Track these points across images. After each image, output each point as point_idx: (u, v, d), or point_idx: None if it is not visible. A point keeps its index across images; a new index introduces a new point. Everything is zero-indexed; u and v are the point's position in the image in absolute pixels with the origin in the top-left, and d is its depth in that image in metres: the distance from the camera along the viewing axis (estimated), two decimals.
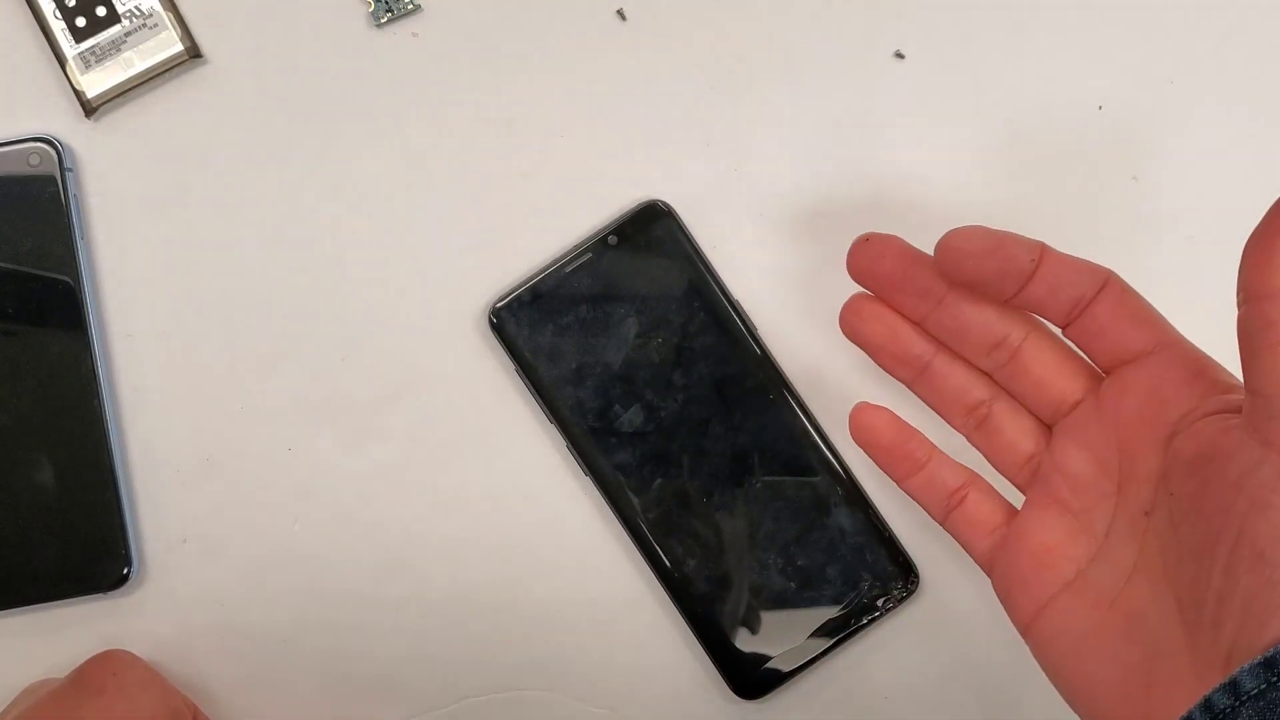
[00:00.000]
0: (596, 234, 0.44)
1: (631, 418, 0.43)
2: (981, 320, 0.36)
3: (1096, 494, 0.35)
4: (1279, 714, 0.27)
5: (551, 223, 0.45)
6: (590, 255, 0.44)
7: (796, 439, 0.44)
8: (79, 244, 0.43)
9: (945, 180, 0.45)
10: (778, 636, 0.43)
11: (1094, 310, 0.34)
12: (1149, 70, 0.45)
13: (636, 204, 0.44)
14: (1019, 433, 0.37)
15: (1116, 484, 0.34)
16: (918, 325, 0.38)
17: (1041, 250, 0.35)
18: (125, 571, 0.43)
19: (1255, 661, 0.27)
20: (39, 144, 0.43)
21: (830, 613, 0.44)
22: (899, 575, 0.44)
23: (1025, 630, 0.36)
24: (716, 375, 0.44)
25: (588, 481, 0.44)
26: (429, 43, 0.45)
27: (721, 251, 0.45)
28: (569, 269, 0.43)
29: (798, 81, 0.45)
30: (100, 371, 0.43)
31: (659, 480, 0.43)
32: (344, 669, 0.45)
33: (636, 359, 0.44)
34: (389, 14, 0.44)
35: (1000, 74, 0.45)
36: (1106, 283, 0.35)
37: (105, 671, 0.41)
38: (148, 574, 0.44)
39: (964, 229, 0.35)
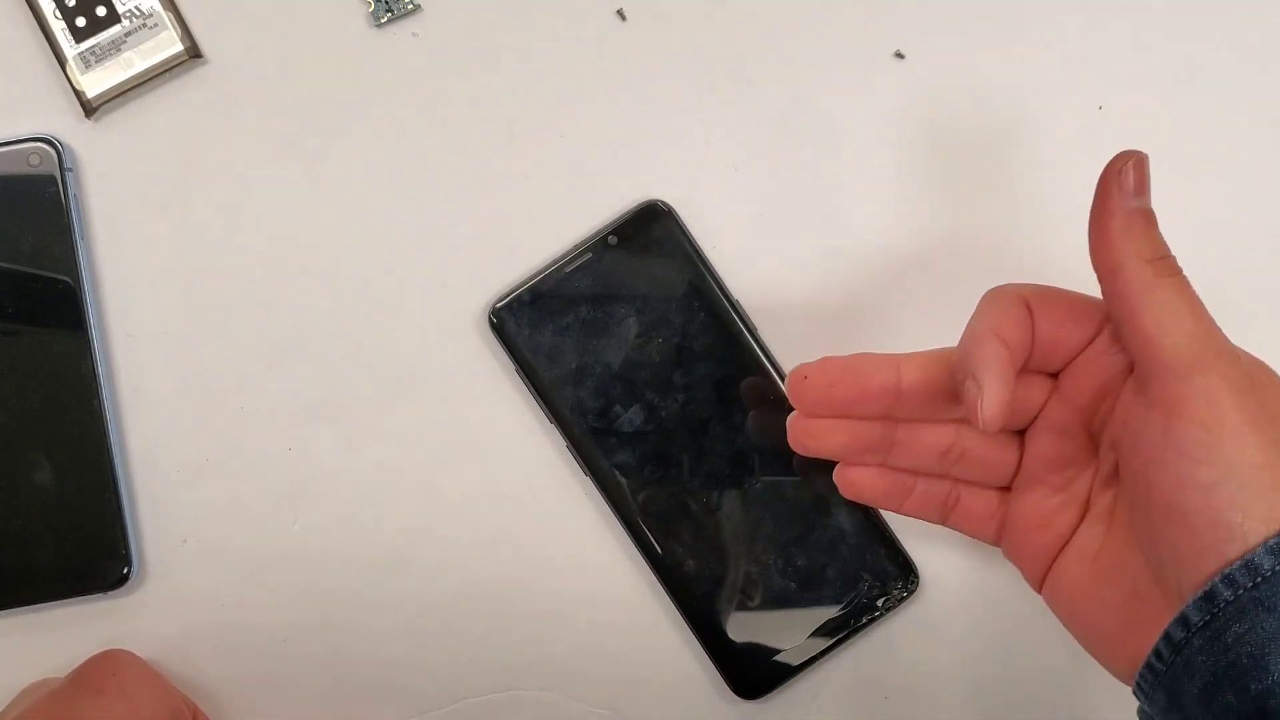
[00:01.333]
0: (596, 234, 0.44)
1: (631, 418, 0.43)
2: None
3: (1075, 466, 0.38)
4: (1224, 639, 0.30)
5: (551, 223, 0.45)
6: (590, 255, 0.44)
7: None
8: (79, 244, 0.43)
9: (945, 180, 0.45)
10: (778, 636, 0.43)
11: (1036, 336, 0.36)
12: (1149, 70, 0.45)
13: (636, 204, 0.44)
14: (997, 450, 0.39)
15: (1089, 456, 0.37)
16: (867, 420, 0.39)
17: (898, 365, 0.38)
18: (125, 571, 0.43)
19: (1196, 596, 0.31)
20: (39, 144, 0.43)
21: (830, 612, 0.44)
22: (899, 575, 0.44)
23: (1038, 590, 0.39)
24: (716, 375, 0.44)
25: (588, 481, 0.44)
26: (429, 43, 0.45)
27: (721, 251, 0.45)
28: (569, 269, 0.43)
29: (798, 82, 0.45)
30: (100, 371, 0.43)
31: (659, 480, 0.43)
32: (344, 669, 0.45)
33: (636, 359, 0.44)
34: (389, 14, 0.44)
35: (1000, 74, 0.45)
36: (1029, 304, 0.36)
37: (105, 671, 0.41)
38: (148, 574, 0.44)
39: (807, 365, 0.38)
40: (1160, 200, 0.46)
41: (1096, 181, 0.34)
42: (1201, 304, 0.33)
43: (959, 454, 0.39)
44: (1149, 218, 0.34)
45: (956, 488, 0.40)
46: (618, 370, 0.43)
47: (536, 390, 0.43)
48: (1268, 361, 0.35)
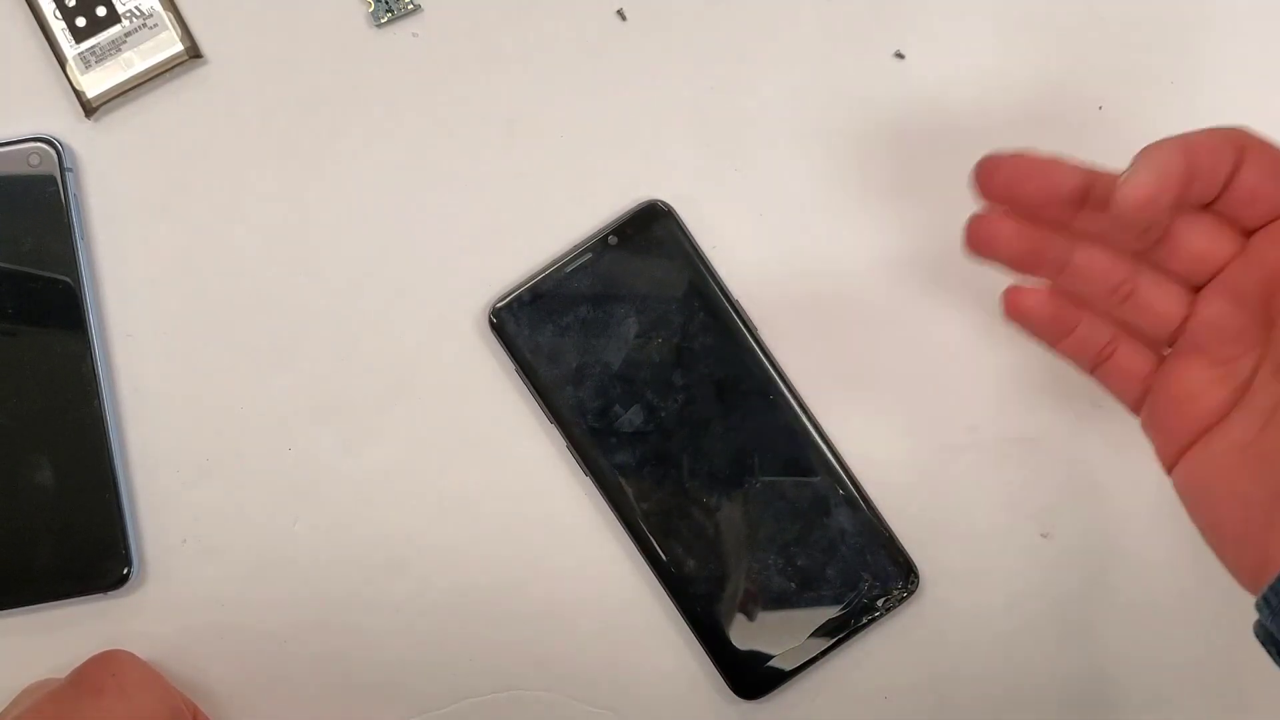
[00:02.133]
0: (596, 234, 0.44)
1: (631, 418, 0.43)
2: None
3: (1243, 344, 0.35)
4: None
5: (551, 223, 0.45)
6: (590, 255, 0.44)
7: (796, 439, 0.44)
8: (79, 244, 0.43)
9: (945, 180, 0.45)
10: (778, 636, 0.43)
11: (1239, 180, 0.34)
12: (1149, 70, 0.45)
13: (636, 204, 0.44)
14: (1166, 300, 0.36)
15: (1263, 335, 0.35)
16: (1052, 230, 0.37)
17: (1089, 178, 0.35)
18: (125, 571, 0.43)
19: None
20: (39, 144, 0.43)
21: (830, 613, 0.44)
22: (899, 575, 0.44)
23: (1169, 469, 0.36)
24: (716, 375, 0.44)
25: (588, 481, 0.44)
26: (429, 43, 0.45)
27: (721, 251, 0.45)
28: (569, 269, 0.43)
29: (798, 81, 0.45)
30: (100, 371, 0.43)
31: (659, 480, 0.43)
32: (344, 669, 0.44)
33: (636, 359, 0.44)
34: (389, 14, 0.44)
35: (1000, 74, 0.45)
36: (1244, 149, 0.34)
37: (105, 672, 0.41)
38: (148, 574, 0.44)
39: (999, 154, 0.36)
40: None
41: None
42: None
43: (1128, 292, 0.36)
44: None
45: (1117, 337, 0.38)
46: (617, 370, 0.43)
47: (536, 390, 0.43)
48: None
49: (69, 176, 0.43)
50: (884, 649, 0.45)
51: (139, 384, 0.44)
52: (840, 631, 0.44)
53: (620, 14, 0.45)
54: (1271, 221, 0.34)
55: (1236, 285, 0.35)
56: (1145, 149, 0.33)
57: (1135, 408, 0.38)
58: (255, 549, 0.44)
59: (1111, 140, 0.45)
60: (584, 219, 0.45)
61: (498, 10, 0.45)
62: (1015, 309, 0.38)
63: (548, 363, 0.43)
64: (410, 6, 0.44)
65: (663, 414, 0.44)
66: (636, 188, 0.45)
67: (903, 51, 0.45)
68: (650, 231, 0.44)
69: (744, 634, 0.43)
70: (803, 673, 0.44)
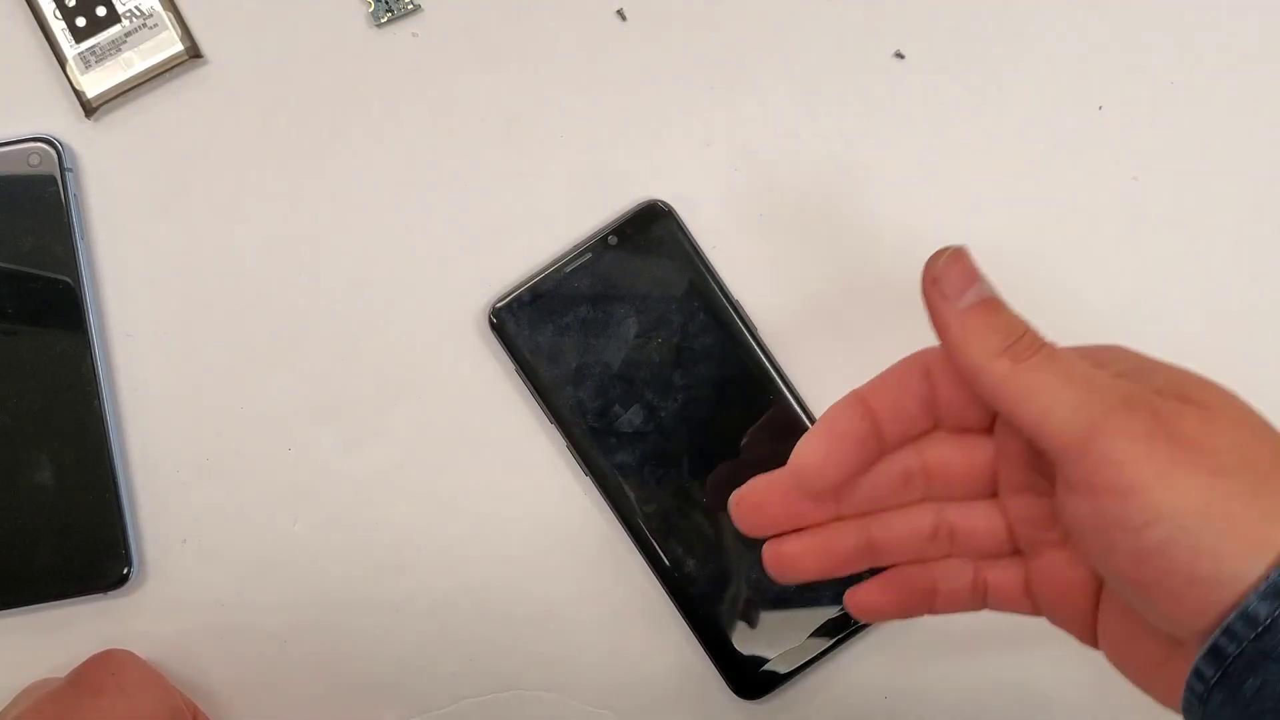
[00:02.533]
0: (596, 234, 0.44)
1: (631, 418, 0.43)
2: (885, 476, 0.35)
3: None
4: (1242, 693, 0.28)
5: (551, 223, 0.45)
6: (590, 255, 0.44)
7: (796, 439, 0.44)
8: (79, 244, 0.43)
9: (945, 180, 0.45)
10: (778, 636, 0.43)
11: (941, 400, 0.33)
12: (1149, 70, 0.45)
13: (636, 204, 0.44)
14: (982, 517, 0.35)
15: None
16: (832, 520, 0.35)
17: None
18: (125, 571, 0.43)
19: (1203, 652, 0.28)
20: (39, 144, 0.43)
21: (830, 613, 0.44)
22: None
23: (1096, 646, 0.35)
24: (716, 375, 0.44)
25: (588, 481, 0.44)
26: (429, 43, 0.45)
27: (721, 251, 0.45)
28: (569, 269, 0.43)
29: (798, 82, 0.45)
30: (100, 371, 0.43)
31: (659, 480, 0.43)
32: (344, 669, 0.44)
33: (636, 359, 0.44)
34: (389, 14, 0.44)
35: (1000, 74, 0.45)
36: (929, 369, 0.33)
37: (104, 671, 0.41)
38: (148, 574, 0.44)
39: (737, 492, 0.35)
40: (1160, 200, 0.46)
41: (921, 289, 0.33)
42: (1074, 362, 0.31)
43: (948, 531, 0.35)
44: (987, 307, 0.32)
45: (980, 569, 0.35)
46: (617, 370, 0.43)
47: (536, 390, 0.43)
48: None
49: (69, 176, 0.43)
50: (884, 649, 0.45)
51: (139, 384, 0.44)
52: (840, 631, 0.44)
53: (620, 14, 0.45)
54: (993, 420, 0.34)
55: (1015, 480, 0.34)
56: (826, 412, 0.33)
57: (1038, 613, 0.36)
58: (255, 549, 0.44)
59: (1112, 140, 0.46)
60: (584, 219, 0.45)
61: (498, 10, 0.45)
62: (863, 611, 0.36)
63: (548, 363, 0.43)
64: (410, 6, 0.44)
65: (662, 414, 0.44)
66: (636, 188, 0.45)
67: (903, 51, 0.45)
68: (650, 231, 0.44)
69: (744, 634, 0.43)
70: (803, 673, 0.44)
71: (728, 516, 0.43)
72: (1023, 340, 0.31)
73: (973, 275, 0.32)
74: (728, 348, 0.44)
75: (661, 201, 0.44)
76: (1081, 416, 0.29)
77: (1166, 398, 0.30)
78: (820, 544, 0.35)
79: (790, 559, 0.35)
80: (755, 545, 0.44)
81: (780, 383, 0.44)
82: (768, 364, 0.44)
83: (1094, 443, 0.29)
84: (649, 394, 0.43)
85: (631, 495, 0.43)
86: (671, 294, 0.44)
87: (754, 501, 0.35)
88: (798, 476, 0.33)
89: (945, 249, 0.32)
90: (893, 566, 0.36)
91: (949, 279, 0.32)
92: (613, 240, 0.44)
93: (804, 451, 0.33)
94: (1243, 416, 0.30)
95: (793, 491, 0.34)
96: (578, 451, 0.43)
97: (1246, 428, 0.30)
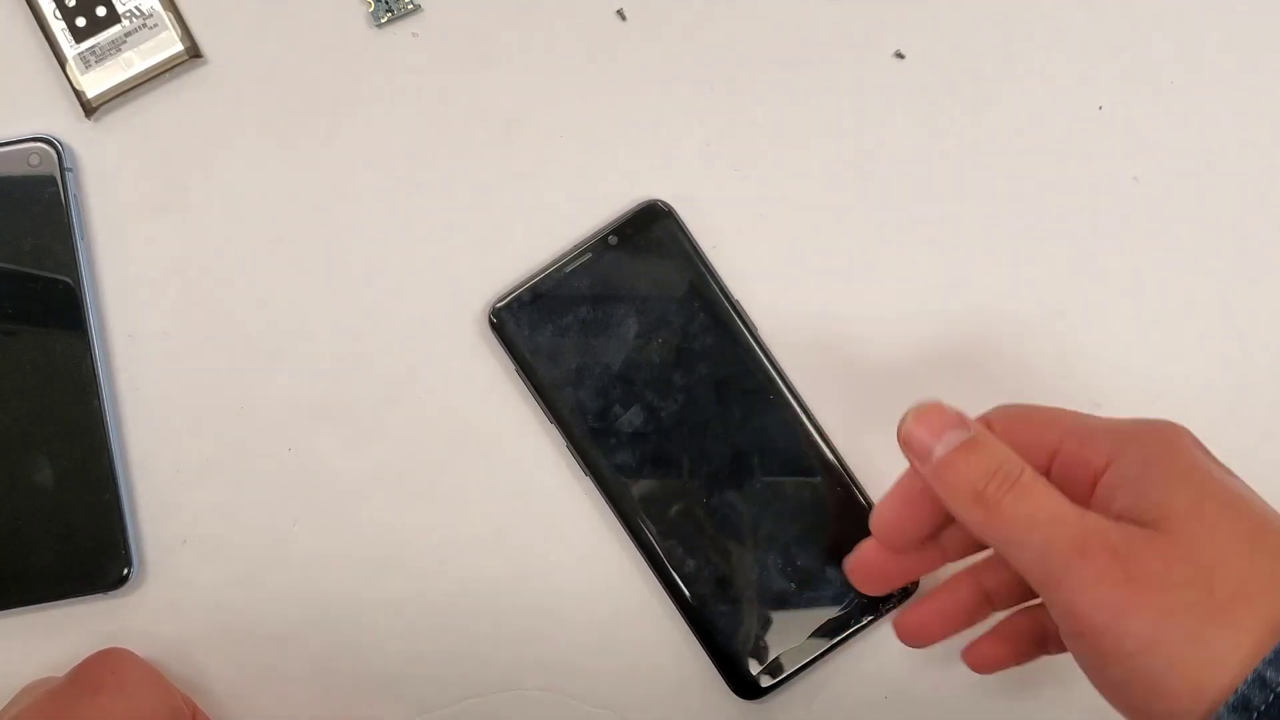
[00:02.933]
0: (597, 234, 0.44)
1: (631, 418, 0.43)
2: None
3: None
4: None
5: (551, 223, 0.45)
6: (590, 255, 0.44)
7: (797, 439, 0.44)
8: (79, 244, 0.43)
9: (945, 180, 0.45)
10: (778, 637, 0.43)
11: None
12: (1149, 70, 0.45)
13: (636, 204, 0.44)
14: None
15: None
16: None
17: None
18: (125, 571, 0.43)
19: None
20: (39, 144, 0.43)
21: (830, 613, 0.44)
22: None
23: None
24: (716, 375, 0.44)
25: (588, 482, 0.44)
26: (429, 43, 0.45)
27: (721, 251, 0.45)
28: (569, 269, 0.43)
29: (798, 81, 0.45)
30: (100, 371, 0.43)
31: (659, 481, 0.43)
32: (344, 669, 0.44)
33: (636, 359, 0.44)
34: (389, 14, 0.44)
35: (1000, 74, 0.45)
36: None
37: (104, 670, 0.41)
38: (148, 574, 0.44)
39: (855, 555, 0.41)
40: (1159, 199, 0.46)
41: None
42: (1041, 498, 0.32)
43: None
44: (957, 456, 0.34)
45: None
46: (618, 371, 0.43)
47: (536, 390, 0.43)
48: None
49: (69, 176, 0.43)
50: (884, 649, 0.45)
51: (139, 384, 0.44)
52: (840, 631, 0.43)
53: (620, 14, 0.45)
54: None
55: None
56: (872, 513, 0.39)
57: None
58: (255, 549, 0.44)
59: (1112, 140, 0.46)
60: (584, 219, 0.45)
61: (498, 10, 0.45)
62: (983, 665, 0.39)
63: (548, 363, 0.43)
64: (410, 6, 0.44)
65: (662, 414, 0.44)
66: (636, 188, 0.45)
67: (903, 51, 0.45)
68: (650, 232, 0.44)
69: (744, 634, 0.43)
70: (802, 673, 0.44)
71: (727, 515, 0.44)
72: (995, 479, 0.33)
73: (938, 427, 0.34)
74: (728, 348, 0.44)
75: (661, 201, 0.44)
76: (1044, 565, 0.31)
77: (1127, 528, 0.31)
78: (938, 607, 0.39)
79: (915, 628, 0.40)
80: (756, 545, 0.44)
81: (780, 383, 0.44)
82: (768, 364, 0.44)
83: (1056, 591, 0.31)
84: (649, 394, 0.43)
85: (632, 495, 0.43)
86: (672, 294, 0.44)
87: (856, 567, 0.40)
88: (877, 535, 0.38)
89: (910, 410, 0.35)
90: (1005, 618, 0.39)
91: (916, 441, 0.34)
92: (613, 240, 0.44)
93: (878, 512, 0.38)
94: (1209, 535, 0.31)
95: (884, 550, 0.39)
96: (578, 451, 0.43)
97: (1210, 550, 0.31)
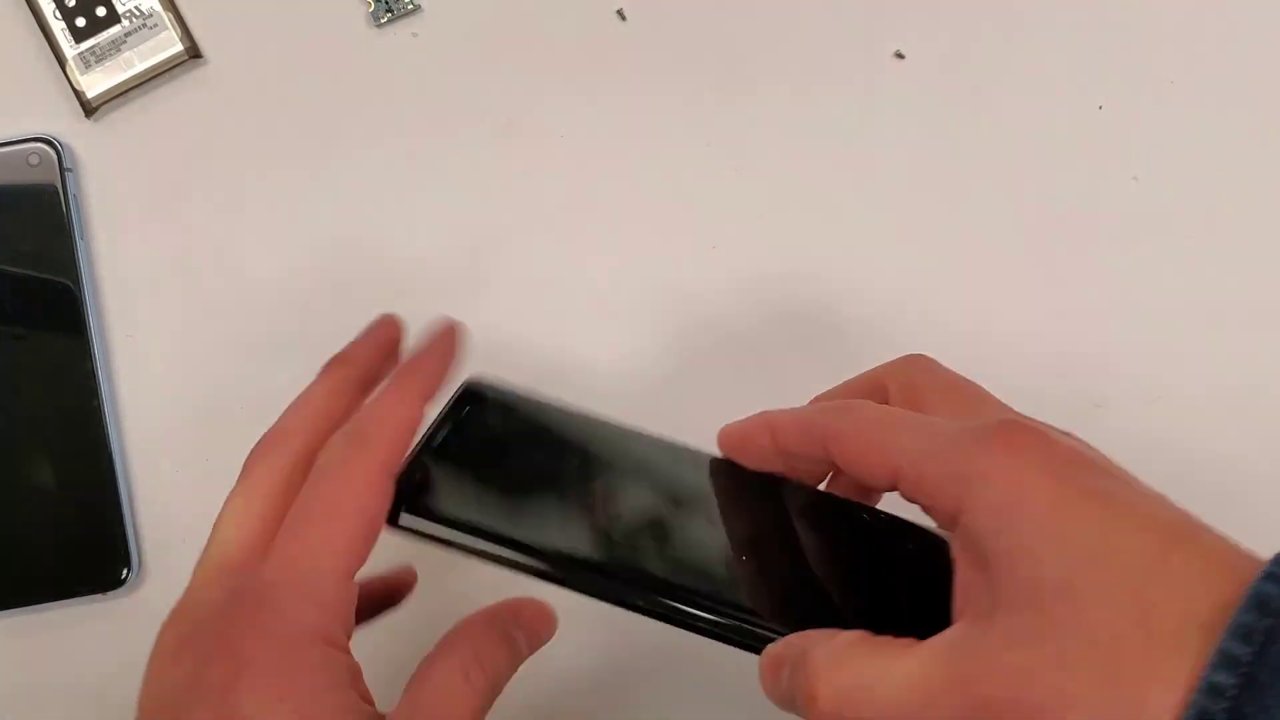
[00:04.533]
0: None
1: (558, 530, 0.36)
2: None
3: None
4: None
5: (552, 222, 0.45)
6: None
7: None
8: (79, 244, 0.43)
9: (945, 180, 0.45)
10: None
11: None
12: (1149, 70, 0.45)
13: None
14: None
15: None
16: None
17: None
18: (125, 572, 0.43)
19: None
20: (39, 144, 0.43)
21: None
22: None
23: None
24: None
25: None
26: (429, 43, 0.45)
27: (721, 251, 0.45)
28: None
29: (798, 81, 0.45)
30: (100, 372, 0.43)
31: (591, 537, 0.36)
32: None
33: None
34: (389, 14, 0.44)
35: (1000, 74, 0.45)
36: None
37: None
38: (148, 574, 0.44)
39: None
40: (1159, 199, 0.46)
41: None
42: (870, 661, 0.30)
43: None
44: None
45: None
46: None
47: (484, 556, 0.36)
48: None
49: (69, 176, 0.43)
50: None
51: (139, 384, 0.44)
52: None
53: (620, 14, 0.45)
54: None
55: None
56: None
57: None
58: None
59: (1112, 140, 0.46)
60: (584, 218, 0.45)
61: (498, 10, 0.45)
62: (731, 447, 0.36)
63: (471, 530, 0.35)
64: (410, 6, 0.44)
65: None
66: (637, 188, 0.45)
67: (903, 51, 0.45)
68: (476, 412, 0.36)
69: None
70: None
71: (709, 525, 0.39)
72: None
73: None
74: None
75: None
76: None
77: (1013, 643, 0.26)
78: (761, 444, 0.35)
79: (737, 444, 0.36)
80: (753, 545, 0.43)
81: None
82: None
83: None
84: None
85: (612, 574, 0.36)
86: None
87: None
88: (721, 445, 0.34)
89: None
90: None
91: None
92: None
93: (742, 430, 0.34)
94: (1091, 617, 0.25)
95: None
96: (564, 584, 0.35)
97: (1100, 629, 0.25)
